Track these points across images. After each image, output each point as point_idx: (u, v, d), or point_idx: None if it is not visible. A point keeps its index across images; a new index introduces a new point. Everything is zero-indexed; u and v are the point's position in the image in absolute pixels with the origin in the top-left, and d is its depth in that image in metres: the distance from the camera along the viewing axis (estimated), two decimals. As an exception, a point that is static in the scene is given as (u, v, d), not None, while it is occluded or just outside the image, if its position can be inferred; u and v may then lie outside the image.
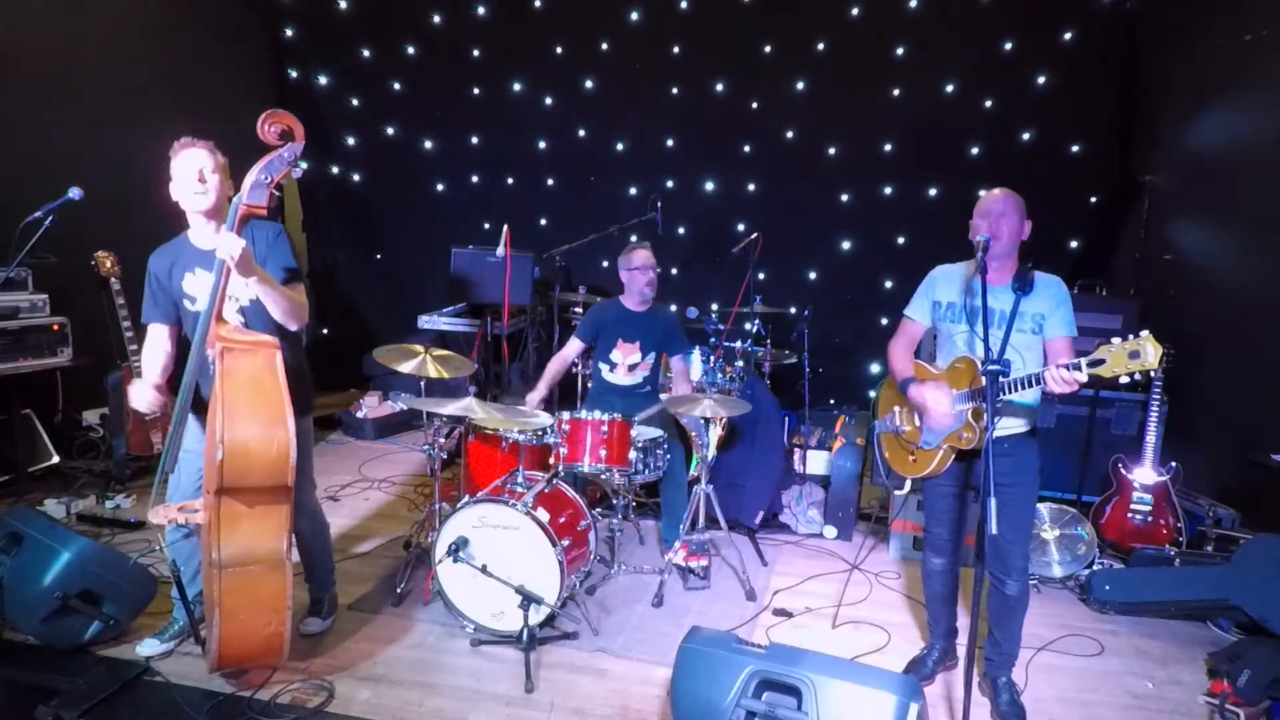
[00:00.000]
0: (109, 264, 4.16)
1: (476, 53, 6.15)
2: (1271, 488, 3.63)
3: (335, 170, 6.59)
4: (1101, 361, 2.16)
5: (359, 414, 5.76)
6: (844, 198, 5.88)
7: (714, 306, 5.86)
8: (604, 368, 4.03)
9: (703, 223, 6.08)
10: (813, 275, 6.02)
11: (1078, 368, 2.21)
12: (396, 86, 6.33)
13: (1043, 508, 3.72)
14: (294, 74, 6.37)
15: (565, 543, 2.99)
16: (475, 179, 6.43)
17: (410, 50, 6.22)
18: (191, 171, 2.51)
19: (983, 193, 2.61)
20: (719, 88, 5.90)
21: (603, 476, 3.60)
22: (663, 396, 3.94)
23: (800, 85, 5.76)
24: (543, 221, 6.33)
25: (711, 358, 4.51)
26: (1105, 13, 5.22)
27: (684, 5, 5.82)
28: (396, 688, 2.73)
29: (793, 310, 5.55)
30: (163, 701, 2.58)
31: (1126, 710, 2.79)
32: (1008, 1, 5.33)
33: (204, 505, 2.43)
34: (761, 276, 5.59)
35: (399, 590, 3.32)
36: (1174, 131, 4.83)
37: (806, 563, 3.90)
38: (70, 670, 2.69)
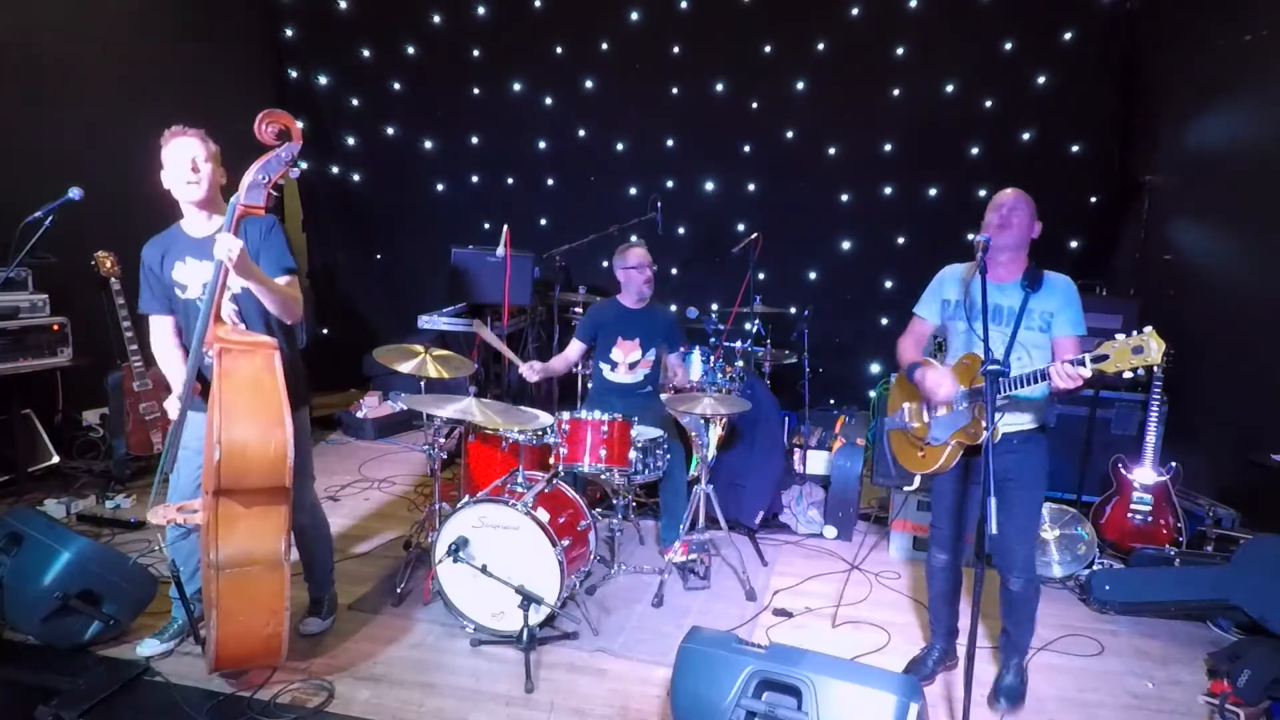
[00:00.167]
0: (109, 264, 4.16)
1: (476, 53, 6.15)
2: (1271, 488, 3.63)
3: (335, 170, 6.59)
4: (1105, 357, 2.17)
5: (359, 414, 5.76)
6: (844, 198, 5.88)
7: (714, 306, 5.86)
8: (605, 367, 4.04)
9: (703, 223, 6.08)
10: (813, 275, 6.02)
11: (1082, 363, 2.22)
12: (396, 86, 6.33)
13: (1043, 508, 3.72)
14: (294, 74, 6.37)
15: (565, 543, 2.99)
16: (475, 179, 6.43)
17: (410, 50, 6.22)
18: (184, 161, 2.51)
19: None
20: (719, 88, 5.90)
21: (603, 476, 3.61)
22: (663, 396, 3.94)
23: (800, 85, 5.76)
24: (543, 221, 6.33)
25: (711, 358, 4.51)
26: (1105, 13, 5.22)
27: (684, 5, 5.82)
28: (396, 688, 2.73)
29: (793, 310, 5.55)
30: (163, 701, 2.58)
31: (1126, 710, 2.79)
32: (1008, 1, 5.33)
33: (203, 505, 2.43)
34: (761, 276, 5.59)
35: (399, 590, 3.32)
36: (1174, 131, 4.83)
37: (806, 563, 3.90)
38: (70, 670, 2.69)
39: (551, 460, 3.50)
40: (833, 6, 5.58)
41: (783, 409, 4.46)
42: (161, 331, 2.71)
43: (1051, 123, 5.42)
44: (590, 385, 4.26)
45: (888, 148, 5.72)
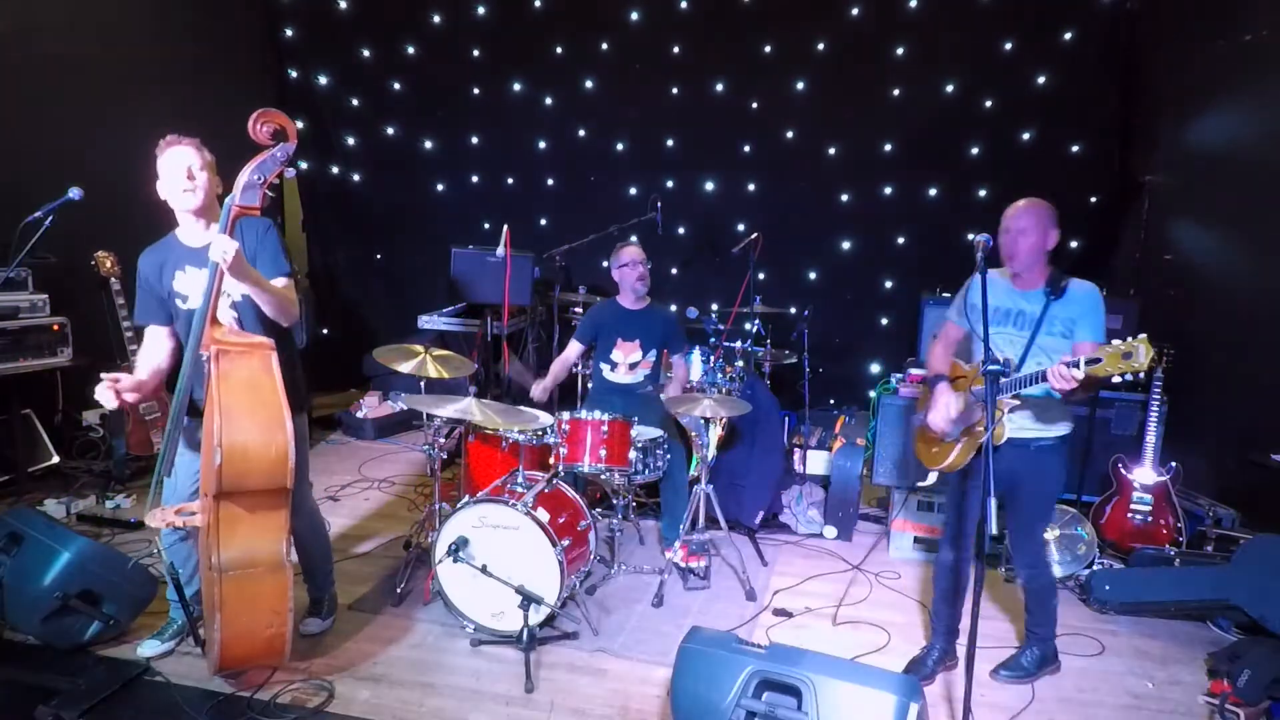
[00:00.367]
0: (109, 264, 4.16)
1: (476, 53, 6.14)
2: (1271, 488, 3.63)
3: (335, 170, 6.59)
4: (1098, 360, 2.21)
5: (359, 414, 5.76)
6: (844, 198, 5.88)
7: (714, 306, 5.86)
8: (605, 368, 4.04)
9: (703, 223, 6.08)
10: (813, 275, 6.02)
11: (1076, 365, 2.26)
12: (396, 86, 6.32)
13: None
14: (294, 74, 6.36)
15: (565, 543, 2.99)
16: (475, 179, 6.43)
17: (410, 50, 6.21)
18: (179, 170, 2.50)
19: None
20: (719, 88, 5.90)
21: (603, 477, 3.61)
22: (662, 397, 3.94)
23: (800, 85, 5.76)
24: (543, 221, 6.33)
25: (711, 358, 4.51)
26: (1105, 13, 5.21)
27: (684, 5, 5.82)
28: (396, 688, 2.73)
29: (793, 310, 5.55)
30: (163, 701, 2.58)
31: (1126, 710, 2.79)
32: (1008, 1, 5.33)
33: (200, 508, 2.42)
34: (761, 276, 5.59)
35: (399, 590, 3.32)
36: (1174, 131, 4.82)
37: (806, 563, 3.90)
38: (70, 670, 2.69)
39: (551, 460, 3.49)
40: (833, 6, 5.58)
41: (783, 409, 4.46)
42: (156, 341, 2.68)
43: (1051, 123, 5.41)
44: (590, 385, 4.26)
45: (888, 148, 5.71)
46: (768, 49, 5.75)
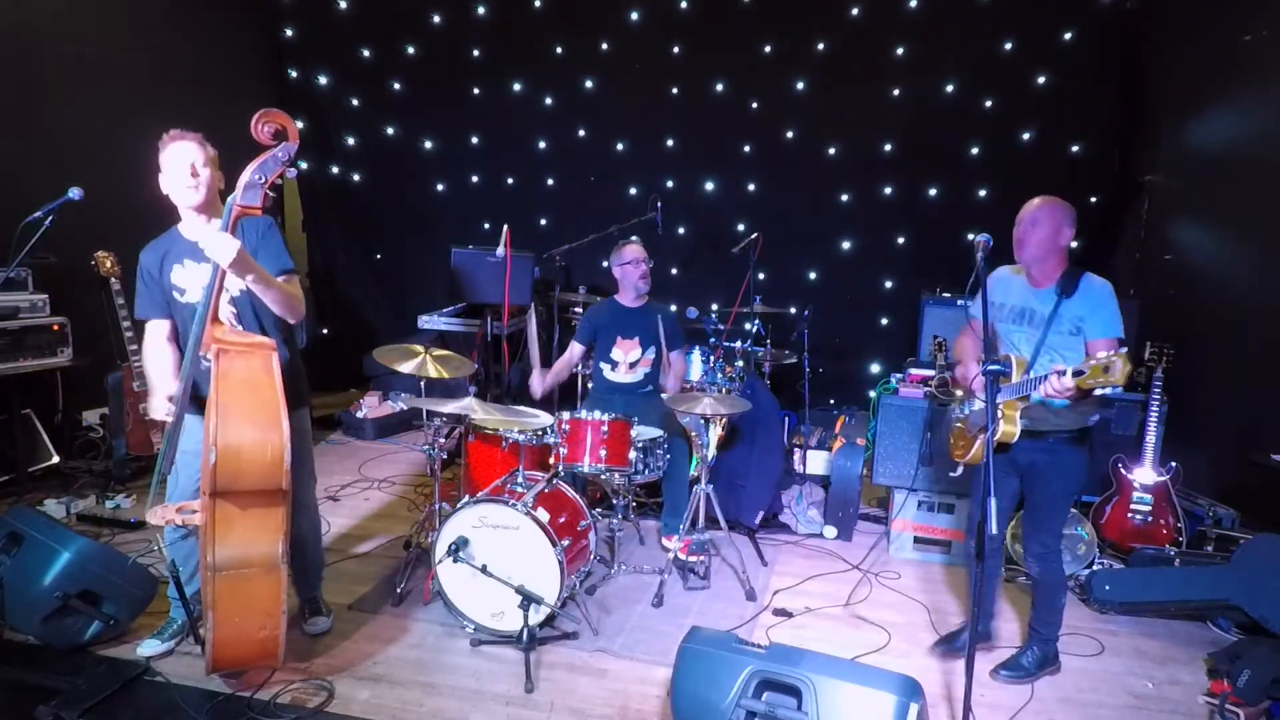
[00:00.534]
0: (109, 264, 4.16)
1: (476, 53, 6.15)
2: (1271, 488, 3.63)
3: (335, 170, 6.59)
4: (1082, 373, 2.24)
5: (359, 414, 5.76)
6: (844, 198, 5.88)
7: (714, 306, 5.86)
8: (605, 367, 4.04)
9: (703, 223, 6.08)
10: (813, 275, 6.02)
11: (1064, 373, 2.29)
12: (396, 86, 6.33)
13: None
14: (294, 74, 6.37)
15: (565, 543, 2.99)
16: (475, 179, 6.43)
17: (410, 50, 6.22)
18: (183, 165, 2.50)
19: None
20: (719, 88, 5.90)
21: (603, 477, 3.61)
22: (663, 396, 3.94)
23: (800, 85, 5.76)
24: (543, 221, 6.33)
25: (711, 358, 4.51)
26: (1105, 13, 5.22)
27: (684, 5, 5.82)
28: (396, 688, 2.73)
29: (793, 310, 5.56)
30: (163, 701, 2.58)
31: (1126, 710, 2.79)
32: (1008, 1, 5.33)
33: (200, 506, 2.42)
34: (761, 276, 5.59)
35: (399, 590, 3.32)
36: (1174, 131, 4.83)
37: (806, 563, 3.90)
38: (70, 670, 2.69)
39: (551, 460, 3.49)
40: (833, 6, 5.58)
41: (783, 409, 4.46)
42: (156, 335, 2.70)
43: (1051, 123, 5.42)
44: (590, 385, 4.26)
45: (888, 148, 5.71)
46: (768, 49, 5.76)
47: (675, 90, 5.96)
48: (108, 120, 4.75)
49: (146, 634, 2.87)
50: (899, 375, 4.27)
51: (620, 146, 6.16)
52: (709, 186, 6.07)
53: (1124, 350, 2.17)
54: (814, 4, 5.66)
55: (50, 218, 3.19)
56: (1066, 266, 2.68)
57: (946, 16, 5.44)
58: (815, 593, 3.58)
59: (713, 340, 4.73)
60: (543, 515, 2.98)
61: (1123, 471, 3.88)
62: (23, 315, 4.12)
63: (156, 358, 2.70)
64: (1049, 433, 2.68)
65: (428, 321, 5.28)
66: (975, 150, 5.60)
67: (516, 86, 6.18)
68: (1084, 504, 4.00)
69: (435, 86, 6.28)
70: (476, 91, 6.23)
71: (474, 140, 6.37)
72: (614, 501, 3.82)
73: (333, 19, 6.23)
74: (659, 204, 5.17)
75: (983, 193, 5.59)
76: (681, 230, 6.13)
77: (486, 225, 6.20)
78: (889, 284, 5.89)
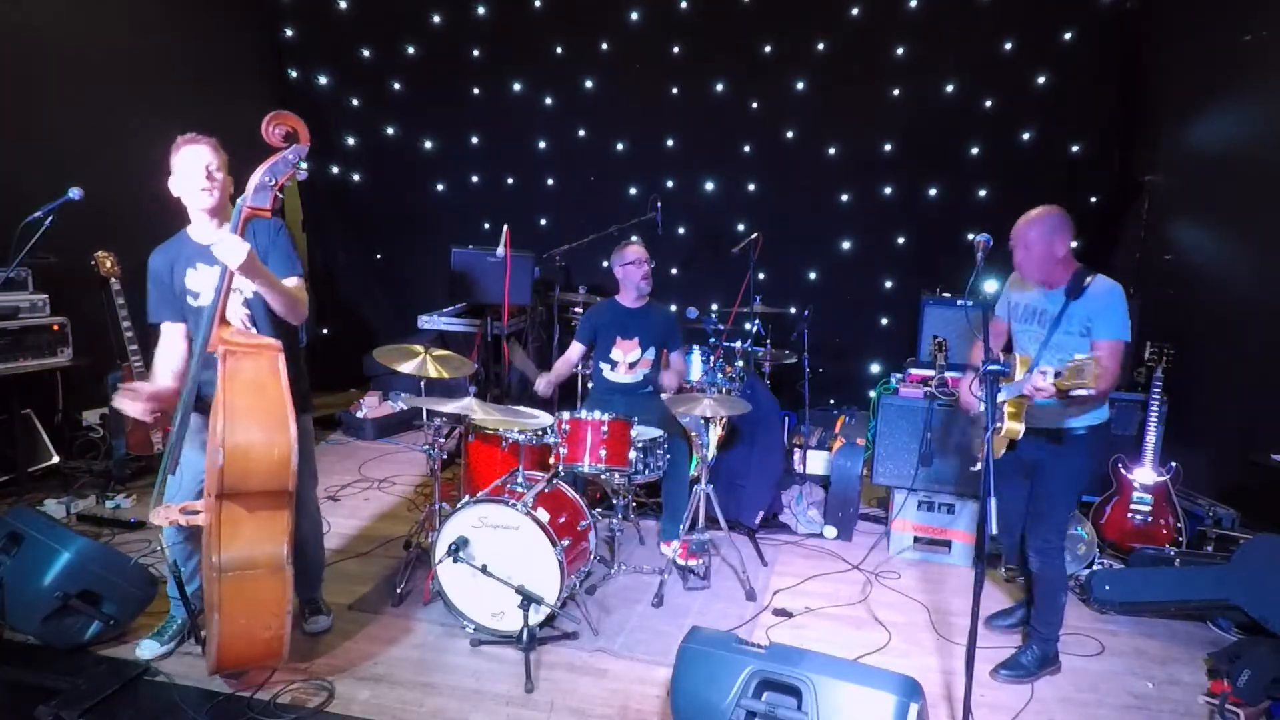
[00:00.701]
0: (109, 264, 4.16)
1: (476, 53, 6.15)
2: (1271, 488, 3.63)
3: (335, 170, 6.59)
4: (1060, 374, 2.27)
5: (359, 414, 5.76)
6: (844, 198, 5.88)
7: (714, 306, 5.86)
8: (605, 367, 4.04)
9: (703, 223, 6.08)
10: (813, 275, 6.02)
11: (1046, 374, 2.33)
12: (396, 86, 6.33)
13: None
14: (294, 74, 6.37)
15: (565, 543, 2.99)
16: (475, 179, 6.43)
17: (410, 50, 6.22)
18: (198, 169, 2.51)
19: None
20: (719, 88, 5.90)
21: (603, 477, 3.61)
22: (663, 396, 3.94)
23: (800, 85, 5.76)
24: (543, 221, 6.34)
25: (711, 358, 4.51)
26: (1105, 13, 5.22)
27: (684, 5, 5.82)
28: (396, 688, 2.73)
29: (793, 310, 5.56)
30: (163, 701, 2.58)
31: (1126, 710, 2.79)
32: (1008, 1, 5.33)
33: (204, 507, 2.42)
34: (761, 276, 5.59)
35: (399, 590, 3.32)
36: (1174, 131, 4.82)
37: (806, 563, 3.90)
38: (70, 670, 2.69)
39: (551, 460, 3.49)
40: (833, 6, 5.58)
41: (783, 409, 4.46)
42: (172, 338, 2.68)
43: (1051, 123, 5.42)
44: (591, 385, 4.26)
45: (888, 148, 5.72)
46: (768, 49, 5.76)
47: (675, 90, 5.96)
48: (108, 120, 4.76)
49: (146, 634, 2.86)
50: (899, 375, 4.28)
51: (620, 146, 6.16)
52: (709, 186, 6.07)
53: (1096, 355, 2.21)
54: (814, 4, 5.66)
55: (50, 218, 3.19)
56: (1077, 268, 2.70)
57: (946, 16, 5.44)
58: (815, 593, 3.58)
59: (713, 340, 4.74)
60: (543, 515, 2.98)
61: (1123, 471, 3.88)
62: (23, 315, 4.12)
63: (164, 358, 2.69)
64: (1056, 429, 2.70)
65: (428, 321, 5.29)
66: (975, 150, 5.60)
67: (516, 86, 6.19)
68: (1084, 504, 4.00)
69: (435, 86, 6.28)
70: (476, 91, 6.23)
71: (474, 140, 6.37)
72: (614, 501, 3.82)
73: (333, 19, 6.23)
74: (659, 204, 5.17)
75: (983, 193, 5.59)
76: (681, 230, 6.13)
77: (486, 225, 6.20)
78: (889, 284, 5.89)
